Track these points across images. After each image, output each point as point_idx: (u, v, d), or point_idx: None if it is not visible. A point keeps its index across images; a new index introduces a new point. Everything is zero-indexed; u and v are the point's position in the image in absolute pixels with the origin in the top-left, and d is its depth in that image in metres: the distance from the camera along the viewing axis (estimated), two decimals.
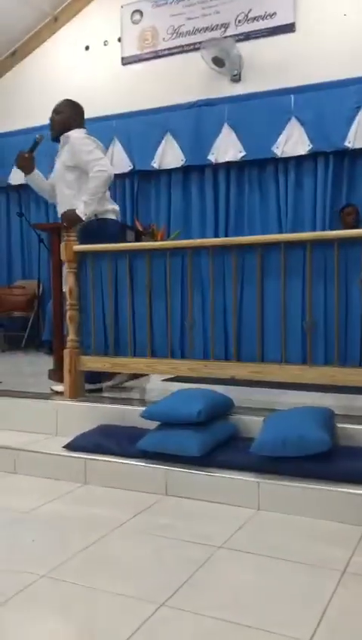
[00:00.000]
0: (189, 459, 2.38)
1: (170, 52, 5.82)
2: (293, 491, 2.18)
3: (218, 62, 5.47)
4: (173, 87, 5.68)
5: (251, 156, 5.34)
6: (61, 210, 3.27)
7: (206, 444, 2.40)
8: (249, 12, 5.47)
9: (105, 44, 6.11)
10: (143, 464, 2.45)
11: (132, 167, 5.80)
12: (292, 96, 5.16)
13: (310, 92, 5.10)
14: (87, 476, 2.54)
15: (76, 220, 3.08)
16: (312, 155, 5.19)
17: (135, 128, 5.75)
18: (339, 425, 2.46)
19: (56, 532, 2.08)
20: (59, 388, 3.18)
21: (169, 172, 5.75)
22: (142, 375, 3.52)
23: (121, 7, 5.99)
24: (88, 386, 3.18)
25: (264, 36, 5.43)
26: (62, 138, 3.28)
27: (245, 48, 5.46)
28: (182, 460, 2.39)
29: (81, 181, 3.22)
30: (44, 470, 2.62)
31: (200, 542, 1.94)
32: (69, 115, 3.31)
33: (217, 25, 5.59)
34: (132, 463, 2.48)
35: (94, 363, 3.08)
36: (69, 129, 3.28)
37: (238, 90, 5.51)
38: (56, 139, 3.34)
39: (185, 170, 5.69)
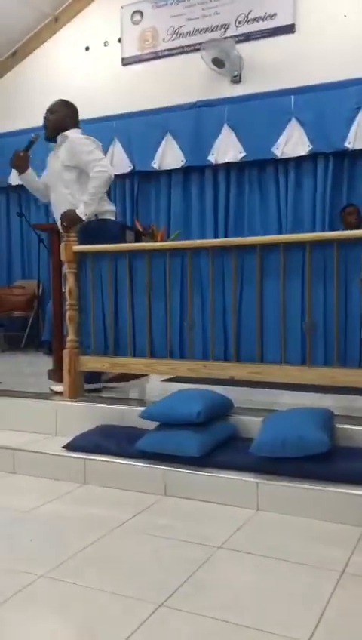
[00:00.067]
0: (188, 459, 2.38)
1: (170, 53, 5.83)
2: (292, 492, 2.18)
3: (218, 63, 5.47)
4: (173, 88, 5.69)
5: (251, 157, 5.34)
6: (57, 208, 3.27)
7: (205, 444, 2.40)
8: (249, 13, 5.47)
9: (105, 45, 6.12)
10: (142, 464, 2.45)
11: (132, 167, 5.81)
12: (292, 97, 5.17)
13: (310, 93, 5.10)
14: (86, 476, 2.54)
15: (76, 220, 3.08)
16: (312, 156, 5.20)
17: (135, 129, 5.75)
18: (339, 425, 2.46)
19: (56, 532, 2.08)
20: (58, 388, 3.18)
21: (169, 173, 5.76)
22: (134, 377, 3.52)
23: (121, 7, 5.99)
24: (87, 386, 3.18)
25: (264, 37, 5.44)
26: (59, 138, 3.28)
27: (245, 49, 5.46)
28: (181, 461, 2.39)
29: (80, 181, 3.22)
30: (44, 470, 2.62)
31: (199, 542, 1.94)
32: (63, 115, 3.31)
33: (217, 26, 5.60)
34: (131, 463, 2.48)
35: (94, 363, 3.08)
36: (65, 129, 3.28)
37: (238, 91, 5.51)
38: (50, 138, 3.34)
39: (185, 171, 5.70)
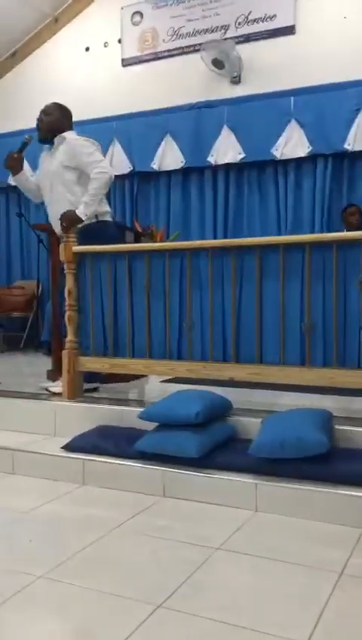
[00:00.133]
0: (187, 460, 2.38)
1: (170, 54, 5.83)
2: (291, 493, 2.18)
3: (218, 64, 5.48)
4: (172, 89, 5.69)
5: (250, 158, 5.35)
6: (55, 209, 3.26)
7: (204, 445, 2.40)
8: (249, 14, 5.48)
9: (105, 46, 6.12)
10: (141, 465, 2.45)
11: (132, 168, 5.81)
12: (291, 99, 5.17)
13: (309, 94, 5.11)
14: (85, 477, 2.54)
15: (76, 220, 3.09)
16: (312, 158, 5.20)
17: (135, 130, 5.75)
18: (338, 427, 2.46)
19: (54, 533, 2.09)
20: (57, 389, 3.17)
21: (168, 173, 5.76)
22: (133, 377, 3.51)
23: (122, 8, 6.00)
24: (85, 386, 3.18)
25: (264, 38, 5.44)
26: (56, 139, 3.28)
27: (245, 50, 5.47)
28: (180, 462, 2.39)
29: (80, 182, 3.23)
30: (43, 471, 2.62)
31: (197, 543, 1.94)
32: (58, 117, 3.32)
33: (217, 27, 5.61)
34: (130, 464, 2.48)
35: (93, 364, 3.08)
36: (61, 131, 3.29)
37: (238, 92, 5.52)
38: (44, 140, 3.35)
39: (184, 172, 5.70)
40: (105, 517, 2.18)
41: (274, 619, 1.50)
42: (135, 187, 5.94)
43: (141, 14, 5.94)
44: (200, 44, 5.53)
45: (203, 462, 2.37)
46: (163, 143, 5.65)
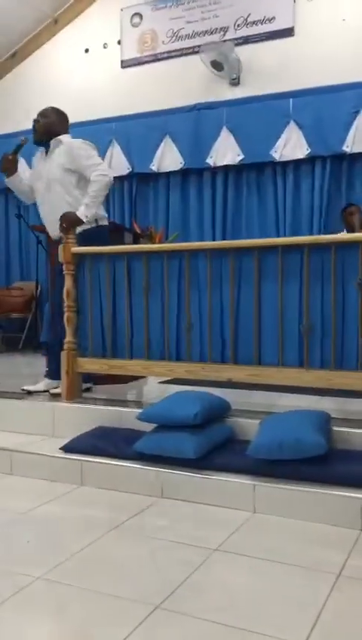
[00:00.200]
0: (185, 461, 2.38)
1: (170, 55, 5.85)
2: (289, 494, 2.18)
3: (217, 65, 5.49)
4: (172, 91, 5.70)
5: (249, 159, 5.36)
6: (51, 211, 3.26)
7: (202, 446, 2.40)
8: (248, 16, 5.49)
9: (104, 47, 6.13)
10: (139, 466, 2.45)
11: (131, 169, 5.81)
12: (290, 100, 5.18)
13: (308, 96, 5.12)
14: (83, 478, 2.54)
15: (76, 221, 3.09)
16: (310, 159, 5.21)
17: (134, 131, 5.76)
18: (336, 428, 2.47)
19: (52, 534, 2.08)
20: (56, 390, 3.17)
21: (167, 175, 5.77)
22: (132, 378, 3.51)
23: (121, 10, 6.01)
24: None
25: (263, 40, 5.46)
26: (52, 142, 3.29)
27: (244, 52, 5.48)
28: (179, 463, 2.39)
29: (79, 184, 3.24)
30: (41, 471, 2.62)
31: (195, 544, 1.94)
32: (54, 120, 3.33)
33: (216, 28, 5.62)
34: (128, 465, 2.48)
35: (91, 365, 3.08)
36: (57, 134, 3.30)
37: (237, 93, 5.53)
38: (39, 142, 3.35)
39: (183, 173, 5.71)
40: (103, 518, 2.18)
41: (272, 620, 1.50)
42: (134, 188, 5.94)
43: (140, 16, 5.95)
44: (199, 46, 5.54)
45: (201, 463, 2.37)
46: (162, 144, 5.65)
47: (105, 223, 3.38)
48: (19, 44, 6.48)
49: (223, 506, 2.25)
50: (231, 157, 5.40)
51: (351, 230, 4.76)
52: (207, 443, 2.43)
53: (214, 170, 5.56)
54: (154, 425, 2.58)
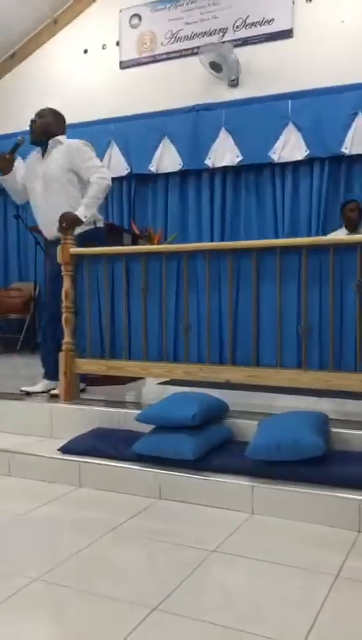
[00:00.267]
0: (184, 462, 2.38)
1: (168, 56, 5.85)
2: (287, 495, 2.18)
3: (215, 67, 5.49)
4: (170, 92, 5.71)
5: (248, 161, 5.36)
6: (48, 211, 3.25)
7: (200, 447, 2.40)
8: (247, 18, 5.50)
9: (103, 48, 6.14)
10: (138, 467, 2.45)
11: (129, 170, 5.81)
12: (289, 102, 5.18)
13: (307, 98, 5.12)
14: (81, 479, 2.54)
15: (76, 221, 3.09)
16: (309, 161, 5.21)
17: (133, 132, 5.76)
18: (334, 429, 2.47)
19: (50, 535, 2.08)
20: (56, 391, 3.17)
21: (166, 176, 5.76)
22: (130, 379, 3.51)
23: (120, 11, 6.01)
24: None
25: (261, 42, 5.46)
26: (50, 142, 3.29)
27: (243, 53, 5.49)
28: (177, 464, 2.39)
29: (79, 185, 3.25)
30: (39, 473, 2.62)
31: (193, 546, 1.94)
32: (51, 121, 3.33)
33: (215, 30, 5.62)
34: (126, 466, 2.47)
35: (90, 366, 3.08)
36: (54, 134, 3.30)
37: (236, 95, 5.54)
38: (36, 142, 3.35)
39: (182, 174, 5.70)
40: (101, 519, 2.18)
41: (269, 621, 1.50)
42: (132, 189, 5.94)
43: (139, 17, 5.96)
44: (198, 47, 5.54)
45: (199, 464, 2.37)
46: (161, 145, 5.65)
47: (102, 224, 3.39)
48: (19, 45, 6.48)
49: (221, 507, 2.25)
50: (230, 158, 5.40)
51: (350, 226, 4.77)
52: (205, 444, 2.43)
53: (213, 172, 5.56)
54: (153, 426, 2.58)
